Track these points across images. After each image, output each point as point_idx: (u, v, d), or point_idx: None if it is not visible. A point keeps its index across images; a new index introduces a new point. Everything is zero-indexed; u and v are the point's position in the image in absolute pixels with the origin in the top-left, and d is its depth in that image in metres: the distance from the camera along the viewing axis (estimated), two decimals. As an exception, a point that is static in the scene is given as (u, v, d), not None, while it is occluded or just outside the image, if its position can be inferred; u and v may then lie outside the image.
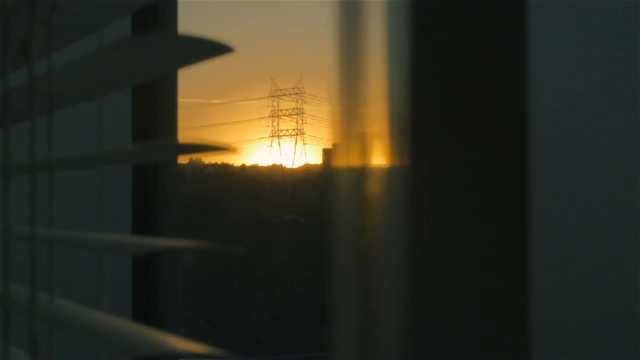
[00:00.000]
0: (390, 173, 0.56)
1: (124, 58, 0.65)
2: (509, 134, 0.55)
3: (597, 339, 2.38)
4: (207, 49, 0.57)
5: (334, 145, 0.62)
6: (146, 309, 1.60)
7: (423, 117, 0.54)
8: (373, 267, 0.58)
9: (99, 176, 0.84)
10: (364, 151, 0.59)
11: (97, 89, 0.76)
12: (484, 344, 0.54)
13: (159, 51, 0.61)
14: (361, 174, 0.59)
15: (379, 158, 0.58)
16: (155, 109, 1.55)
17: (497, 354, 0.54)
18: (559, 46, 2.36)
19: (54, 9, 0.75)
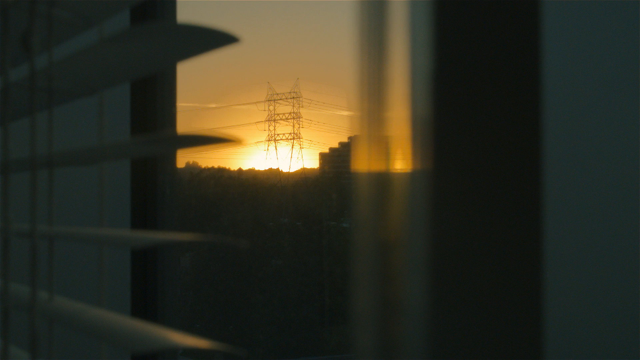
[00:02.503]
0: (412, 177, 0.56)
1: (125, 50, 0.65)
2: (526, 137, 0.55)
3: (597, 339, 2.37)
4: (212, 39, 0.56)
5: (353, 148, 0.61)
6: (145, 306, 1.59)
7: (445, 120, 0.54)
8: (394, 269, 0.58)
9: (99, 172, 0.83)
10: (386, 155, 0.59)
11: (97, 83, 0.75)
12: (499, 340, 0.54)
13: (162, 42, 0.61)
14: (383, 177, 0.59)
15: (401, 162, 0.58)
16: (154, 105, 1.54)
17: (514, 349, 0.54)
18: (561, 46, 2.35)
19: (53, 3, 0.74)
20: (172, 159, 1.65)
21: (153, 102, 1.58)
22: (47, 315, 0.73)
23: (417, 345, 0.54)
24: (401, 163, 0.58)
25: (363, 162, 0.61)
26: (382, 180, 0.60)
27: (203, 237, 0.62)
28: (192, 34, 0.58)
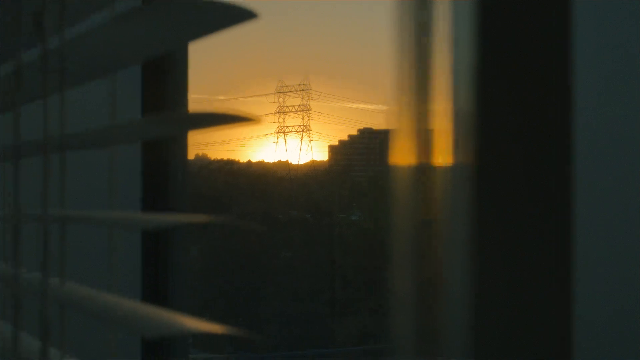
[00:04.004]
0: (453, 170, 0.55)
1: (138, 28, 0.63)
2: (561, 132, 0.55)
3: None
4: (228, 15, 0.55)
5: (395, 140, 0.60)
6: (156, 293, 1.58)
7: (487, 114, 0.53)
8: (435, 261, 0.57)
9: (111, 155, 0.82)
10: (427, 148, 0.58)
11: (110, 63, 0.74)
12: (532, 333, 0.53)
13: (176, 19, 0.59)
14: (423, 170, 0.58)
15: (442, 155, 0.57)
16: (166, 92, 1.53)
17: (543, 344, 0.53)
18: (589, 43, 2.33)
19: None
20: (184, 144, 1.63)
21: (165, 89, 1.57)
22: (59, 301, 0.72)
23: (455, 334, 0.53)
24: (442, 157, 0.57)
25: (403, 156, 0.60)
26: (423, 174, 0.59)
27: (214, 218, 0.60)
28: (208, 9, 0.56)
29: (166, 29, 0.62)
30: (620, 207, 2.39)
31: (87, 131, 0.73)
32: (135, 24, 0.63)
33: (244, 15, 0.55)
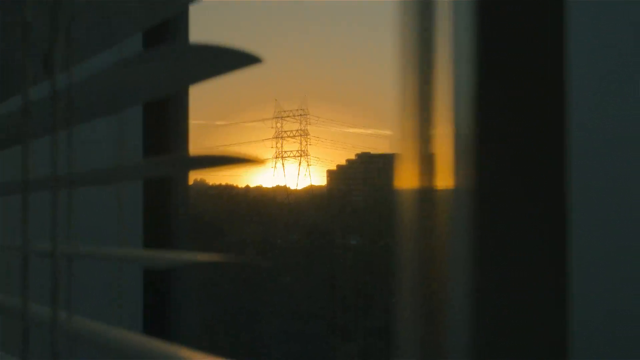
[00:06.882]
0: (454, 194, 0.56)
1: (145, 72, 0.65)
2: (559, 153, 0.56)
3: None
4: (234, 60, 0.56)
5: (398, 164, 0.62)
6: (159, 325, 1.59)
7: (487, 138, 0.54)
8: (438, 284, 0.58)
9: (115, 192, 0.83)
10: (429, 171, 0.59)
11: (117, 103, 0.75)
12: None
13: (183, 63, 0.61)
14: (426, 194, 0.60)
15: (443, 179, 0.58)
16: (167, 126, 1.55)
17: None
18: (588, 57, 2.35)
19: (73, 22, 0.74)
20: (185, 177, 1.65)
21: (166, 119, 1.59)
22: (68, 336, 0.73)
23: (458, 350, 0.54)
24: (444, 180, 0.58)
25: (406, 179, 0.62)
26: (426, 197, 0.60)
27: (221, 257, 0.62)
28: (215, 54, 0.58)
29: (171, 73, 0.64)
30: (618, 211, 2.40)
31: (93, 170, 0.75)
32: (140, 69, 0.65)
33: (249, 59, 0.56)
